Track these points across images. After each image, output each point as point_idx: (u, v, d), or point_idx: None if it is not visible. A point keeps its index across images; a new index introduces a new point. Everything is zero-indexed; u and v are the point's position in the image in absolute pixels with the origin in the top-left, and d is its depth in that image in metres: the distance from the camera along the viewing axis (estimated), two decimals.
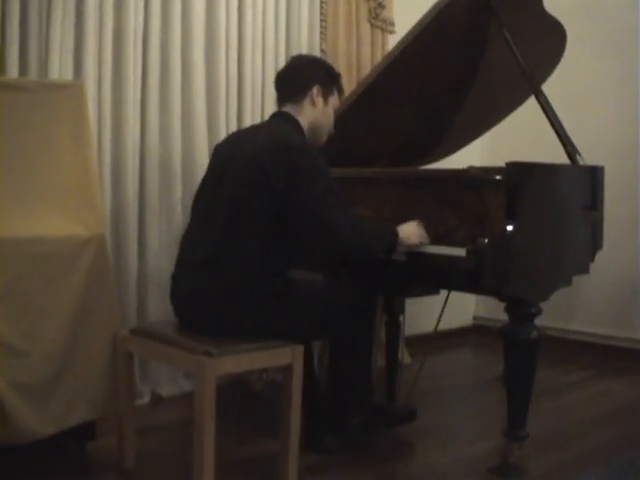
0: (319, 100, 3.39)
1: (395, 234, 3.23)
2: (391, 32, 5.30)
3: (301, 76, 3.41)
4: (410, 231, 3.28)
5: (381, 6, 5.23)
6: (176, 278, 3.27)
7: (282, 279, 3.19)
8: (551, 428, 3.96)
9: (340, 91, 3.54)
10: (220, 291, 3.05)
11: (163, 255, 4.22)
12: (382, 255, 3.30)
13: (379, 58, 4.95)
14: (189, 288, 3.16)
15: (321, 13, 5.04)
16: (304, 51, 4.93)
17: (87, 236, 3.20)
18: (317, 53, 4.98)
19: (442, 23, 3.67)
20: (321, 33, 5.05)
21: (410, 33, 3.71)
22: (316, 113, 3.39)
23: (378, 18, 5.24)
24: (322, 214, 3.09)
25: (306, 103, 3.37)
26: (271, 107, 4.50)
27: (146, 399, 4.24)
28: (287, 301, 3.14)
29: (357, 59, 5.17)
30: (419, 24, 3.68)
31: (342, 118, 3.87)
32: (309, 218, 3.10)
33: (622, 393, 4.80)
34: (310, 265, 3.57)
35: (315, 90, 3.37)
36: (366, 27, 5.23)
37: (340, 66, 5.02)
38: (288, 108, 3.38)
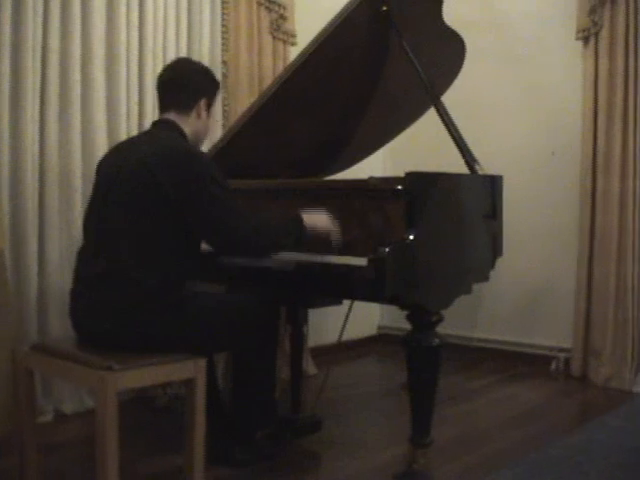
0: (204, 113, 3.38)
1: (300, 219, 3.26)
2: (293, 44, 5.31)
3: (191, 87, 3.36)
4: (316, 218, 3.31)
5: (282, 18, 5.24)
6: (74, 294, 3.20)
7: (182, 290, 3.16)
8: (456, 434, 4.01)
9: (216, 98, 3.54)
10: (118, 304, 3.00)
11: (64, 270, 4.15)
12: (291, 246, 3.29)
13: (281, 69, 4.96)
14: (87, 303, 3.10)
15: (222, 25, 5.03)
16: (205, 62, 4.90)
17: None
18: (219, 64, 4.97)
19: (343, 34, 3.68)
20: (223, 45, 5.04)
21: (311, 45, 3.71)
22: (198, 125, 3.38)
23: (279, 30, 5.25)
24: (221, 219, 3.10)
25: (192, 115, 3.35)
26: None
27: (49, 417, 4.16)
28: (188, 313, 3.11)
29: (259, 71, 5.17)
30: (320, 36, 3.68)
31: (243, 130, 3.88)
32: (209, 224, 3.10)
33: (525, 398, 4.88)
34: (211, 277, 3.56)
35: (202, 103, 3.36)
36: (268, 39, 5.24)
37: (242, 78, 5.04)
38: (172, 116, 3.34)
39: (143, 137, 3.41)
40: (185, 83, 3.37)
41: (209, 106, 3.41)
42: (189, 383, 3.05)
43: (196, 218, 3.07)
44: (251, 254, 3.34)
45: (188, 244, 3.16)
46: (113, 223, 3.09)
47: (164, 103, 3.38)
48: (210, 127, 3.52)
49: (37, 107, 4.13)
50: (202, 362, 3.06)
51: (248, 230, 3.15)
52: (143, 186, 3.05)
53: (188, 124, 3.34)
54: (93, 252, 3.15)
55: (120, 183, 3.12)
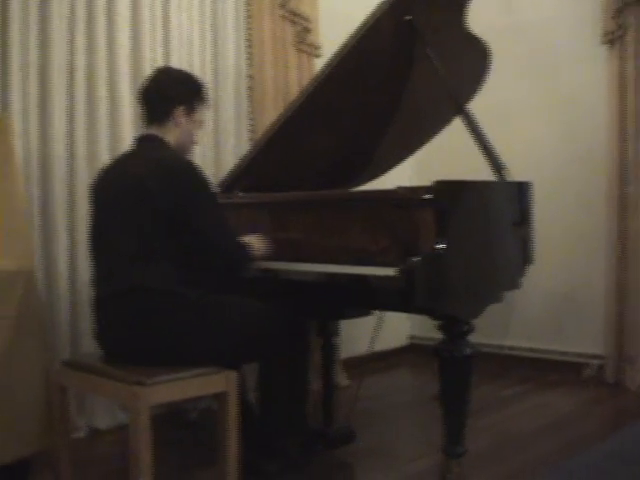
0: (182, 120, 3.38)
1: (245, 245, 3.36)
2: (317, 56, 5.32)
3: (164, 98, 3.36)
4: (250, 240, 3.42)
5: (306, 30, 5.25)
6: (97, 319, 3.22)
7: (206, 299, 3.16)
8: (489, 443, 3.99)
9: (205, 101, 3.52)
10: (142, 319, 3.02)
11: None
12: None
13: (306, 82, 4.95)
14: (111, 322, 3.12)
15: (247, 39, 5.06)
16: (231, 78, 4.94)
17: (15, 269, 3.17)
18: (244, 78, 5.00)
19: (367, 45, 3.69)
20: (247, 59, 5.06)
21: (335, 56, 3.72)
22: (179, 133, 3.38)
23: (304, 42, 5.26)
24: (209, 230, 3.17)
25: (170, 125, 3.36)
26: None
27: (83, 432, 4.18)
28: (216, 324, 3.12)
29: (284, 83, 5.19)
30: (344, 47, 3.69)
31: (270, 143, 3.89)
32: (198, 239, 3.14)
33: (558, 405, 4.85)
34: (241, 288, 3.56)
35: (179, 112, 3.36)
36: (292, 51, 5.25)
37: (267, 91, 5.05)
38: (153, 129, 3.36)
39: (131, 155, 3.40)
40: (158, 96, 3.38)
41: (188, 113, 3.40)
42: (220, 396, 3.05)
43: (185, 229, 3.10)
44: (228, 266, 3.37)
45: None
46: (118, 243, 3.11)
47: (144, 116, 3.42)
48: (194, 133, 3.51)
49: (64, 125, 4.17)
50: (233, 375, 3.05)
51: (232, 245, 3.25)
52: (140, 202, 3.08)
53: (169, 134, 3.36)
54: (105, 274, 3.17)
55: (120, 204, 3.15)
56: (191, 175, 3.16)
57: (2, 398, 3.10)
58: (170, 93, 3.38)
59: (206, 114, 3.67)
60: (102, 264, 3.22)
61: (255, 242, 3.42)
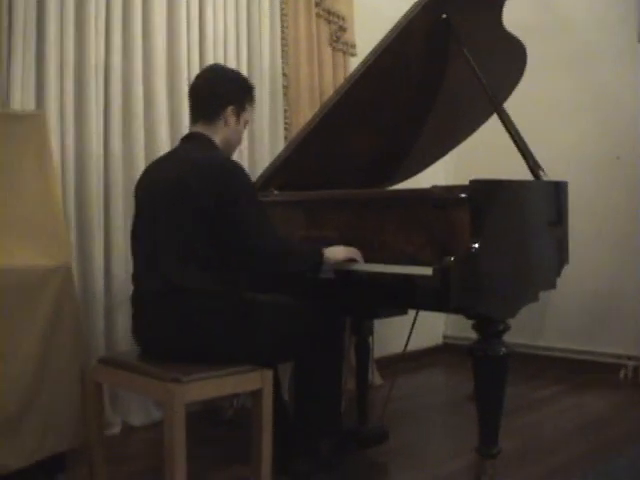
0: (232, 120, 3.35)
1: (321, 254, 3.27)
2: (352, 55, 5.33)
3: (216, 96, 3.34)
4: (337, 250, 3.33)
5: (342, 29, 5.26)
6: (135, 315, 3.25)
7: (243, 299, 3.17)
8: (524, 444, 3.97)
9: (252, 103, 3.50)
10: (180, 318, 3.03)
11: (130, 283, 4.15)
12: (308, 274, 3.31)
13: (341, 81, 4.96)
14: (150, 321, 3.13)
15: (282, 38, 5.06)
16: (266, 76, 4.96)
17: (52, 266, 3.18)
18: (279, 77, 5.01)
19: (403, 43, 3.69)
20: (283, 57, 5.07)
21: (371, 55, 3.72)
22: (227, 132, 3.36)
23: (339, 41, 5.27)
24: (252, 235, 3.11)
25: (220, 124, 3.33)
26: None
27: (117, 429, 4.20)
28: (252, 323, 3.12)
29: (319, 82, 5.20)
30: (380, 46, 3.69)
31: (305, 141, 3.89)
32: (239, 239, 3.10)
33: (593, 406, 4.81)
34: (276, 287, 3.56)
35: (229, 111, 3.34)
36: (327, 50, 5.26)
37: (302, 90, 5.05)
38: (200, 127, 3.34)
39: (176, 155, 3.39)
40: (212, 92, 3.35)
41: (238, 113, 3.38)
42: (255, 394, 3.06)
43: (228, 234, 3.08)
44: (270, 270, 3.33)
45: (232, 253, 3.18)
46: (159, 242, 3.12)
47: (193, 113, 3.40)
48: (242, 134, 3.51)
49: (101, 123, 4.20)
50: (268, 373, 3.06)
51: (274, 247, 3.19)
52: (181, 202, 3.07)
53: (217, 133, 3.34)
54: (148, 271, 3.17)
55: (162, 203, 3.14)
56: (236, 176, 3.14)
57: (38, 394, 3.13)
58: (222, 91, 3.36)
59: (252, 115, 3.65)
60: (143, 261, 3.23)
61: (341, 249, 3.36)
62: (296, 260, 3.26)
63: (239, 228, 3.09)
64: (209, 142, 3.30)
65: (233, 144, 3.47)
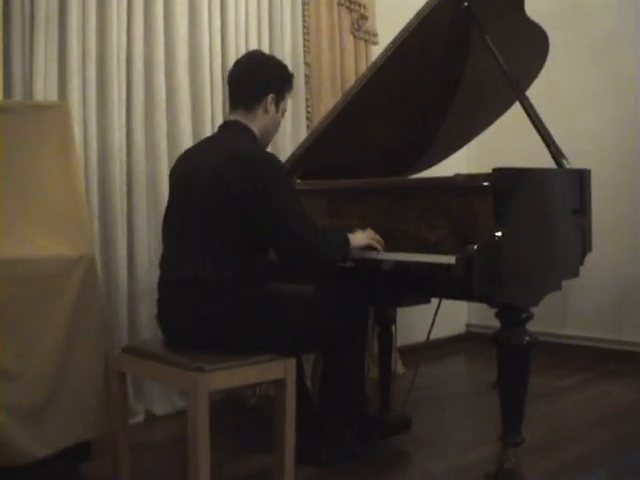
0: (271, 108, 3.33)
1: (348, 240, 3.26)
2: (374, 43, 5.32)
3: (257, 83, 3.31)
4: (358, 235, 3.32)
5: (363, 17, 5.25)
6: (161, 301, 3.25)
7: (268, 289, 3.18)
8: (547, 432, 3.96)
9: (290, 91, 3.48)
10: (205, 307, 3.03)
11: (153, 272, 4.17)
12: (339, 263, 3.31)
13: (363, 69, 4.95)
14: (175, 308, 3.14)
15: (304, 26, 5.06)
16: (288, 64, 4.90)
17: (75, 256, 3.19)
18: (301, 66, 5.00)
19: (424, 32, 3.68)
20: (304, 46, 5.06)
21: (393, 43, 3.71)
22: (267, 120, 3.34)
23: (361, 30, 5.26)
24: (289, 223, 3.08)
25: (259, 112, 3.31)
26: None
27: (140, 418, 4.23)
28: (277, 312, 3.13)
29: (341, 71, 5.19)
30: (401, 34, 3.68)
31: (327, 130, 3.89)
32: (276, 228, 3.09)
33: (617, 395, 4.80)
34: (300, 276, 3.56)
35: (269, 99, 3.31)
36: (349, 39, 5.25)
37: (324, 78, 5.05)
38: (239, 115, 3.31)
39: (212, 142, 3.38)
40: (250, 80, 3.33)
41: (277, 101, 3.36)
42: (279, 383, 3.06)
43: (264, 223, 3.08)
44: (309, 262, 3.29)
45: (264, 244, 3.18)
46: (191, 229, 3.12)
47: (232, 100, 3.38)
48: (279, 123, 3.49)
49: (123, 112, 4.21)
50: (292, 362, 3.07)
51: (312, 238, 3.15)
52: (216, 192, 3.06)
53: (256, 121, 3.32)
54: (175, 258, 3.19)
55: (194, 191, 3.14)
56: (271, 167, 3.12)
57: (63, 383, 3.14)
58: (263, 78, 3.34)
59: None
60: (172, 248, 3.24)
61: (361, 235, 3.35)
62: (330, 249, 3.23)
63: (278, 216, 3.07)
64: (248, 131, 3.29)
65: (271, 133, 3.45)
